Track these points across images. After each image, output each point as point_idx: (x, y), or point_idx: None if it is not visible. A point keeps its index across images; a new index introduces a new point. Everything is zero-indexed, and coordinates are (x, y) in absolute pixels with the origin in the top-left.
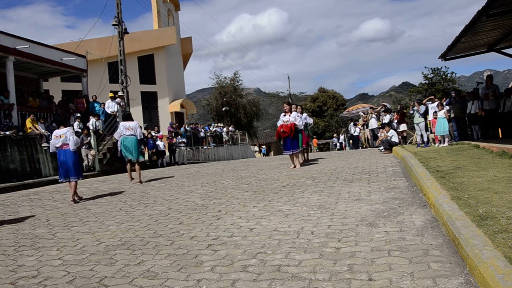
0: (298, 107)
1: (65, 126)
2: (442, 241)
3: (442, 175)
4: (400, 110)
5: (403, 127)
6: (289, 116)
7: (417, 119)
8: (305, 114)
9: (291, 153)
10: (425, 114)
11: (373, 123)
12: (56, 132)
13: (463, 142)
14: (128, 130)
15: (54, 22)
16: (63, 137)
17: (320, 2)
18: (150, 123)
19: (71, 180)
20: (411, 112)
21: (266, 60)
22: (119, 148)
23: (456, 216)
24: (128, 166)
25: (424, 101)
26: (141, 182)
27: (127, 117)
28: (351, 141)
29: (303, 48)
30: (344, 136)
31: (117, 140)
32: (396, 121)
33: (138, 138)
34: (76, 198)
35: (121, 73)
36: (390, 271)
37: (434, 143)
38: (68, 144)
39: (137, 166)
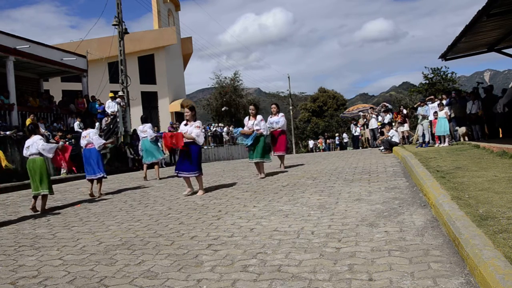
0: (273, 106)
1: (92, 128)
2: (442, 241)
3: (443, 175)
4: (402, 110)
5: (405, 127)
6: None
7: (422, 119)
8: (281, 115)
9: (186, 175)
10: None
11: (373, 123)
12: (83, 133)
13: (463, 142)
14: (143, 133)
15: (58, 22)
16: (87, 137)
17: (324, 2)
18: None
19: (94, 177)
20: (418, 111)
21: (268, 60)
22: (140, 153)
23: (456, 216)
24: (145, 166)
25: (425, 100)
26: (159, 178)
27: (141, 120)
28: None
29: (305, 48)
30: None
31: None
32: (399, 121)
33: (149, 138)
34: (100, 194)
35: (121, 73)
36: (390, 271)
37: (435, 143)
38: (92, 143)
39: (156, 166)
